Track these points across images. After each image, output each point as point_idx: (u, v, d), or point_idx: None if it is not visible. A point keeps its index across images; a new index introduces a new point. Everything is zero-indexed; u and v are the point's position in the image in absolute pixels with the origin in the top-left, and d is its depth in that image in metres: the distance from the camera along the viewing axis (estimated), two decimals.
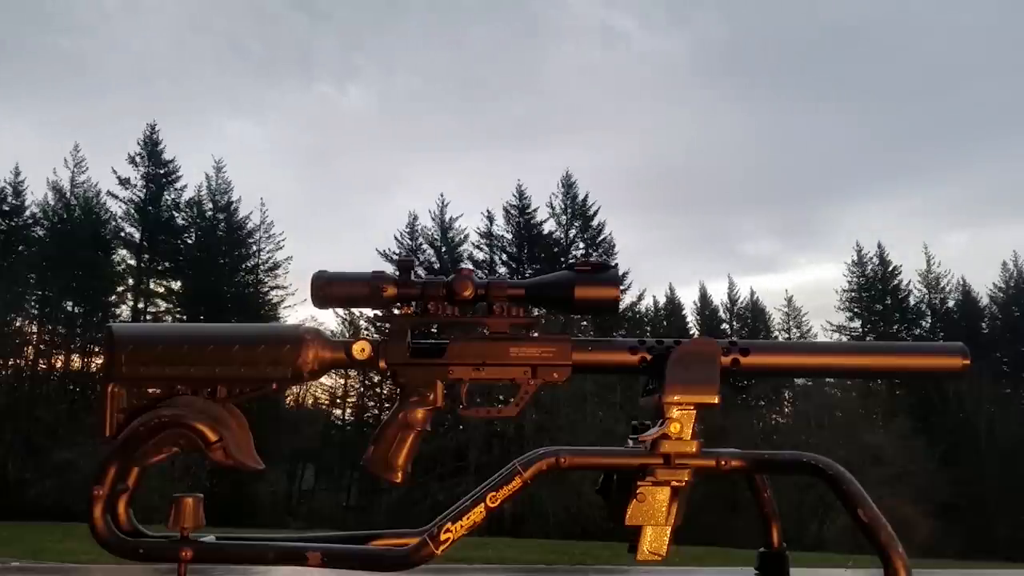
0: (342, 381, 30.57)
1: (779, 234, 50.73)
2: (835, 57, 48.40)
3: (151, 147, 29.21)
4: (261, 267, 30.63)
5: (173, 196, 29.46)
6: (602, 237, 31.25)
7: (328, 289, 1.30)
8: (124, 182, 28.63)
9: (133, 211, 28.76)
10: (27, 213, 28.19)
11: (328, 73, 48.38)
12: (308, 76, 47.66)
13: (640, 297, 31.47)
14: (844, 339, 31.61)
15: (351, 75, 48.35)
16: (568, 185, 31.62)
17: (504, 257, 31.29)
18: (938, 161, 48.70)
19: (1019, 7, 47.77)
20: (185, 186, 29.51)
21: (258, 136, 47.15)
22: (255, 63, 44.95)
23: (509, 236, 31.34)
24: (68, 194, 28.35)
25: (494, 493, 1.22)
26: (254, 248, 30.67)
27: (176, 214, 29.70)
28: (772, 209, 49.52)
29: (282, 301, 30.14)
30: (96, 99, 43.71)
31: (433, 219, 30.94)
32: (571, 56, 47.89)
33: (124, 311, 28.05)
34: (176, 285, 29.49)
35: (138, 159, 29.03)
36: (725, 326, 33.55)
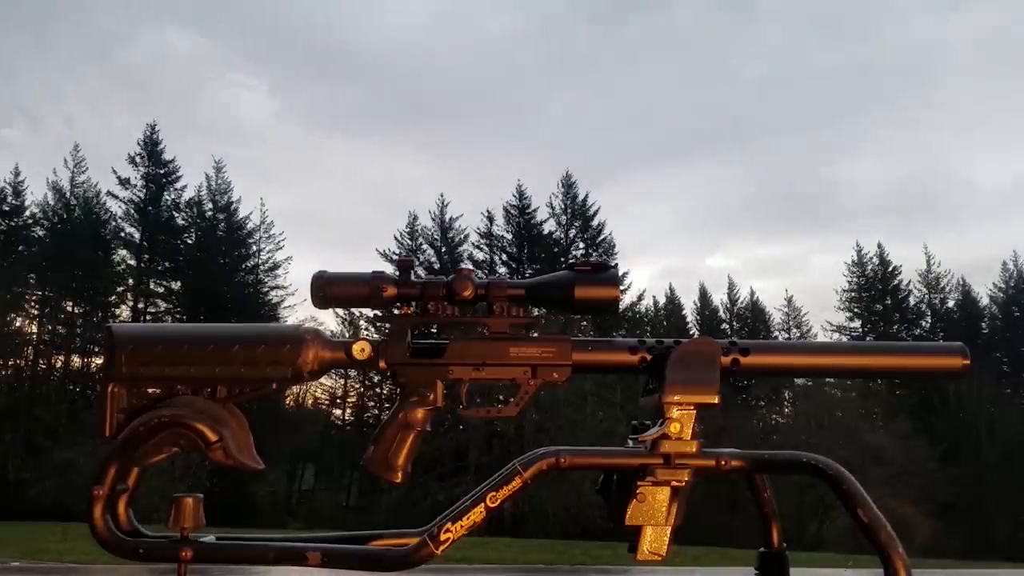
0: (342, 381, 30.57)
1: None
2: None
3: (151, 147, 29.23)
4: (261, 267, 30.68)
5: (173, 196, 29.55)
6: (602, 237, 31.30)
7: (328, 289, 1.30)
8: (124, 182, 28.70)
9: (133, 211, 28.80)
10: (27, 213, 28.28)
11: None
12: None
13: (640, 297, 31.55)
14: (844, 339, 31.61)
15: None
16: (568, 185, 31.67)
17: (504, 257, 31.35)
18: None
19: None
20: (185, 186, 29.61)
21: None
22: None
23: (509, 236, 31.42)
24: (68, 194, 28.42)
25: (494, 493, 1.22)
26: (254, 248, 30.73)
27: (176, 214, 29.75)
28: None
29: (282, 301, 30.20)
30: None
31: (433, 219, 31.02)
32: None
33: (124, 311, 28.09)
34: (176, 285, 29.52)
35: (138, 159, 29.09)
36: (725, 326, 33.55)
